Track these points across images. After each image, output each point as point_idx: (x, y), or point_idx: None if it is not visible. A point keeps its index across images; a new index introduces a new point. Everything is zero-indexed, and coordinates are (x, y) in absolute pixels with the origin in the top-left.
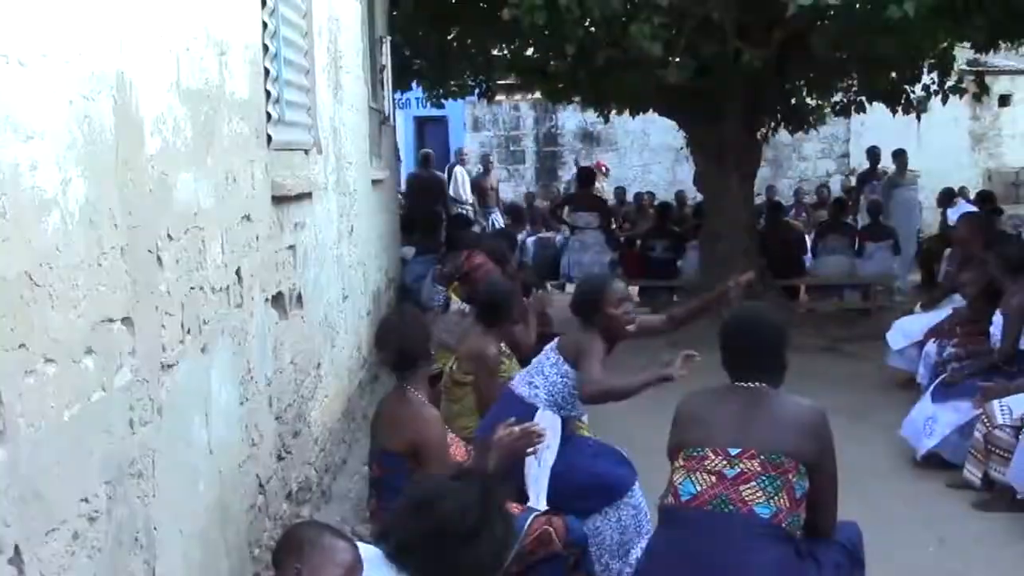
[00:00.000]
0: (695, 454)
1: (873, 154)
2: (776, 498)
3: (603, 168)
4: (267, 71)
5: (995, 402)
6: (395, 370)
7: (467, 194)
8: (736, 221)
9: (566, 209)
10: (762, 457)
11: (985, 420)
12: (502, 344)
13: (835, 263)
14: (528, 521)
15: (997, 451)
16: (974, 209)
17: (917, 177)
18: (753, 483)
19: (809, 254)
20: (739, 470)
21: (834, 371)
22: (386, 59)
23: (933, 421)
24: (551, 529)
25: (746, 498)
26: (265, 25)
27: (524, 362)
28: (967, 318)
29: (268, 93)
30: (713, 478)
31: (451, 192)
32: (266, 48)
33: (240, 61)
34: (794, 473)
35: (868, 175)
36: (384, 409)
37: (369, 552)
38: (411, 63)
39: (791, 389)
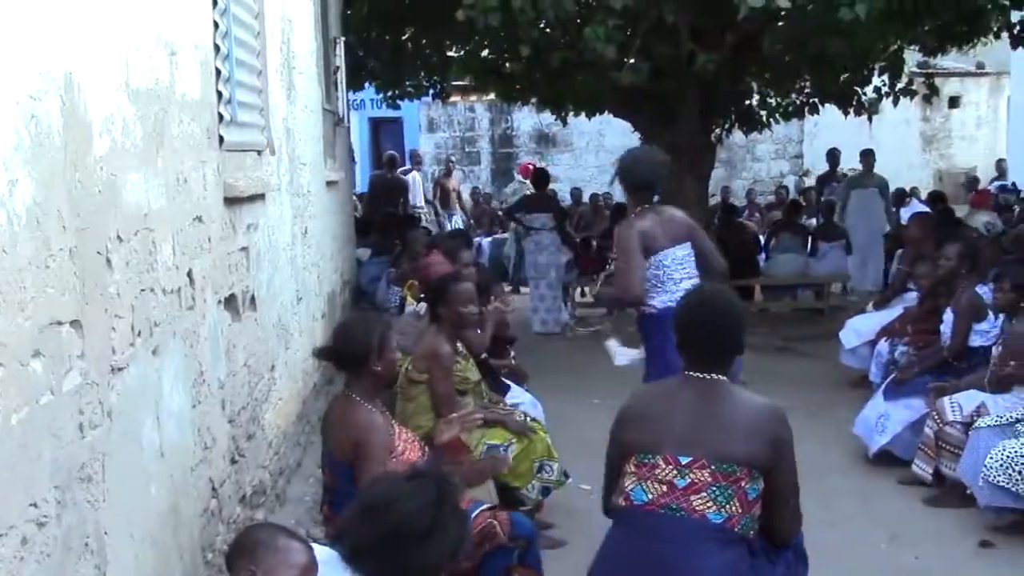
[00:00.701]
0: (646, 461)
1: (833, 156)
2: (728, 506)
3: (531, 168)
4: (219, 72)
5: (945, 399)
6: (342, 372)
7: (421, 199)
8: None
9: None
10: (712, 467)
11: (936, 417)
12: (458, 344)
13: (788, 263)
14: (472, 516)
15: (947, 447)
16: (926, 209)
17: (884, 179)
18: (704, 493)
19: (763, 254)
20: (689, 480)
21: (788, 370)
22: (340, 60)
23: (885, 419)
24: (495, 522)
25: (697, 507)
26: (216, 25)
27: (479, 363)
28: (918, 316)
29: (220, 94)
30: (664, 487)
31: (413, 197)
32: (217, 48)
33: (191, 61)
34: (747, 480)
35: (828, 176)
36: (331, 415)
37: (324, 554)
38: (365, 64)
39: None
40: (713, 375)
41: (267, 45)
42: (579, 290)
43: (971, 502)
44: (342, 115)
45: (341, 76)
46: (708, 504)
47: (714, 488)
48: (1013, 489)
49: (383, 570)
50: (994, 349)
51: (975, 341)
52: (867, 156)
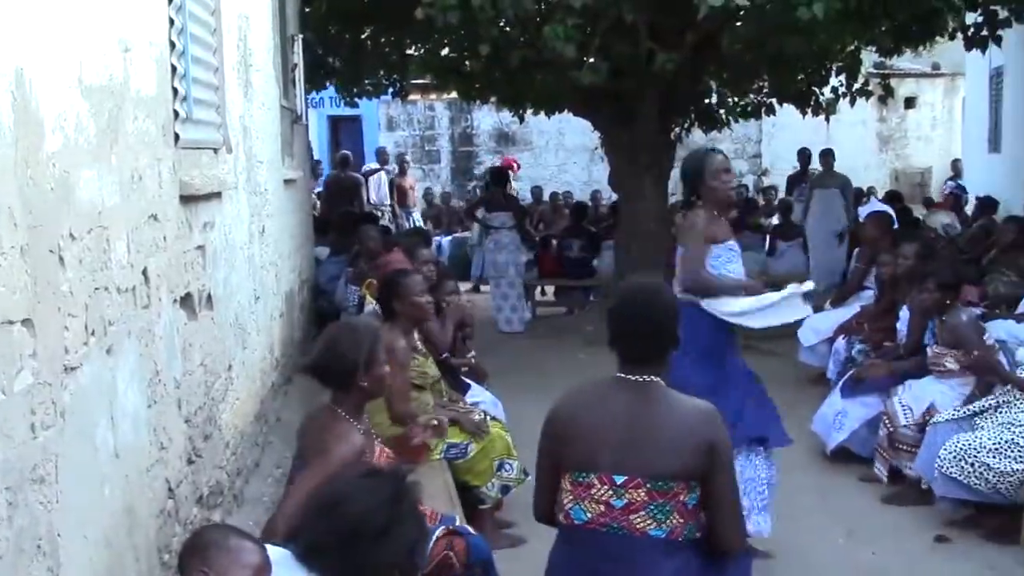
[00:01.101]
0: (581, 480)
1: (803, 156)
2: (668, 520)
3: (514, 165)
4: (174, 68)
5: (896, 403)
6: (330, 388)
7: (387, 197)
8: (651, 220)
9: (481, 209)
10: (648, 486)
11: (887, 421)
12: (417, 340)
13: (746, 261)
14: (429, 548)
15: (904, 447)
16: (884, 208)
17: (846, 179)
18: (642, 512)
19: None
20: (627, 500)
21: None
22: (298, 57)
23: (843, 416)
24: (451, 554)
25: (637, 526)
26: (172, 22)
27: (439, 361)
28: (875, 314)
29: (175, 91)
30: (602, 507)
31: (375, 196)
32: (173, 45)
33: (146, 58)
34: (685, 493)
35: (799, 177)
36: (309, 423)
37: (278, 554)
38: (324, 62)
39: None
40: (646, 377)
41: (223, 42)
42: (539, 289)
43: (928, 499)
44: (300, 113)
45: (299, 74)
46: (648, 522)
47: (652, 506)
48: (966, 481)
49: (339, 568)
50: (929, 350)
51: (931, 339)
52: (826, 156)
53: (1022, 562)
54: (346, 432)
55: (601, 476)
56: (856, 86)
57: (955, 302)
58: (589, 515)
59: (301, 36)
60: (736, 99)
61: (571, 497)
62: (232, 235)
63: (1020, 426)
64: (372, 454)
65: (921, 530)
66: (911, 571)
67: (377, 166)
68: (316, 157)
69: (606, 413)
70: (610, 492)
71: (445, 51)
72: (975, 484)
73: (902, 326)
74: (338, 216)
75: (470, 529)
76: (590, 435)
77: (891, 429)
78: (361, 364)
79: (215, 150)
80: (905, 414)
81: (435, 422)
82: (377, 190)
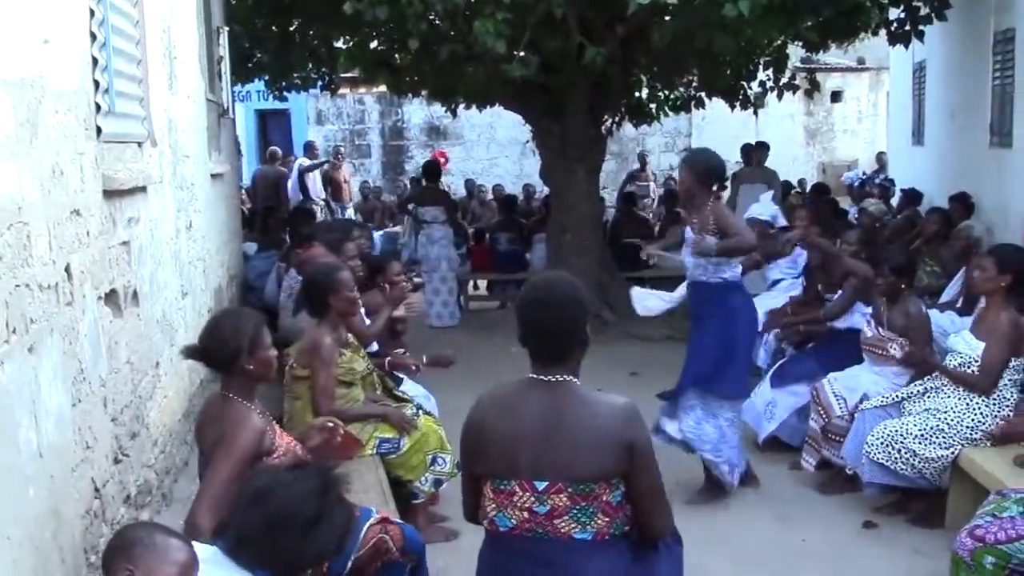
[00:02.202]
0: (503, 488)
1: (746, 152)
2: (593, 521)
3: (443, 158)
4: (95, 60)
5: (831, 394)
6: (216, 371)
7: (320, 191)
8: (582, 214)
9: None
10: (570, 490)
11: (822, 412)
12: (346, 334)
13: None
14: (364, 530)
15: (837, 438)
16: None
17: (773, 173)
18: (566, 516)
19: None
20: (549, 506)
21: (677, 360)
22: (224, 50)
23: (772, 406)
24: (387, 537)
25: (562, 529)
26: (92, 13)
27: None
28: (802, 303)
29: (97, 83)
30: (525, 513)
31: (311, 191)
32: (94, 37)
33: (66, 50)
34: (607, 493)
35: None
36: (207, 415)
37: (206, 552)
38: (251, 54)
39: (640, 381)
40: (560, 377)
41: (147, 34)
42: (472, 283)
43: (856, 486)
44: (227, 106)
45: (225, 66)
46: (573, 525)
47: (575, 510)
48: (892, 467)
49: (269, 559)
50: (867, 331)
51: (859, 324)
52: (757, 150)
53: (947, 545)
54: (242, 416)
55: (522, 483)
56: (783, 80)
57: (909, 287)
58: (513, 522)
59: (227, 28)
60: (666, 93)
61: (494, 505)
62: (158, 230)
63: (945, 413)
64: (273, 434)
65: (849, 516)
66: (840, 556)
67: (315, 161)
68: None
69: (521, 418)
70: (532, 499)
71: (374, 44)
72: (901, 470)
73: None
74: (261, 211)
75: (402, 522)
76: (506, 442)
77: (825, 420)
78: (244, 348)
79: (139, 144)
80: (839, 404)
81: (331, 424)
82: (312, 185)
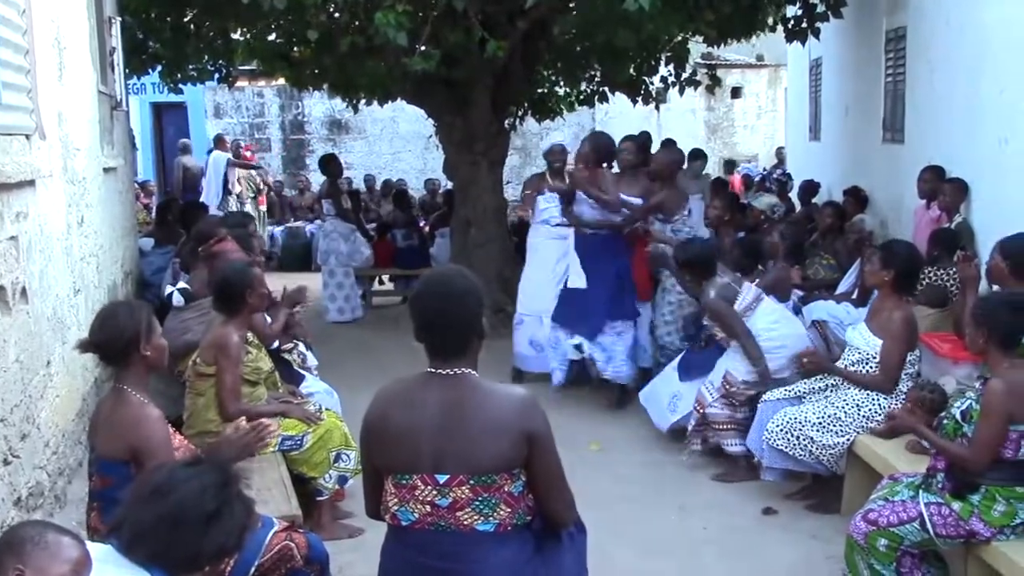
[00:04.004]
0: (404, 483)
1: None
2: (495, 513)
3: (248, 152)
4: None
5: (701, 387)
6: (108, 365)
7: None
8: (486, 208)
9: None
10: (471, 482)
11: (697, 408)
12: (248, 333)
13: None
14: (268, 537)
15: (721, 427)
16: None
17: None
18: (468, 508)
19: None
20: (451, 499)
21: None
22: (116, 41)
23: (678, 398)
24: (292, 545)
25: (464, 522)
26: None
27: (271, 352)
28: None
29: None
30: (427, 507)
31: (225, 183)
32: None
33: None
34: (509, 483)
35: None
36: (100, 413)
37: (99, 550)
38: (145, 46)
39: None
40: (457, 370)
41: (34, 23)
42: (376, 279)
43: (755, 474)
44: (120, 99)
45: (118, 57)
46: (475, 517)
47: (477, 502)
48: (791, 453)
49: (166, 555)
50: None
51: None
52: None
53: (842, 530)
54: (143, 411)
55: (423, 477)
56: (684, 76)
57: (708, 278)
58: (415, 515)
59: (119, 18)
60: (569, 88)
61: (396, 499)
62: (48, 226)
63: (844, 401)
64: (169, 429)
65: (749, 504)
66: (739, 543)
67: (249, 163)
68: (137, 145)
69: (420, 412)
70: (434, 492)
71: (272, 36)
72: (800, 456)
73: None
74: (162, 205)
75: (307, 530)
76: (406, 436)
77: (701, 411)
78: (143, 334)
79: (27, 136)
80: (709, 392)
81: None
82: (233, 180)
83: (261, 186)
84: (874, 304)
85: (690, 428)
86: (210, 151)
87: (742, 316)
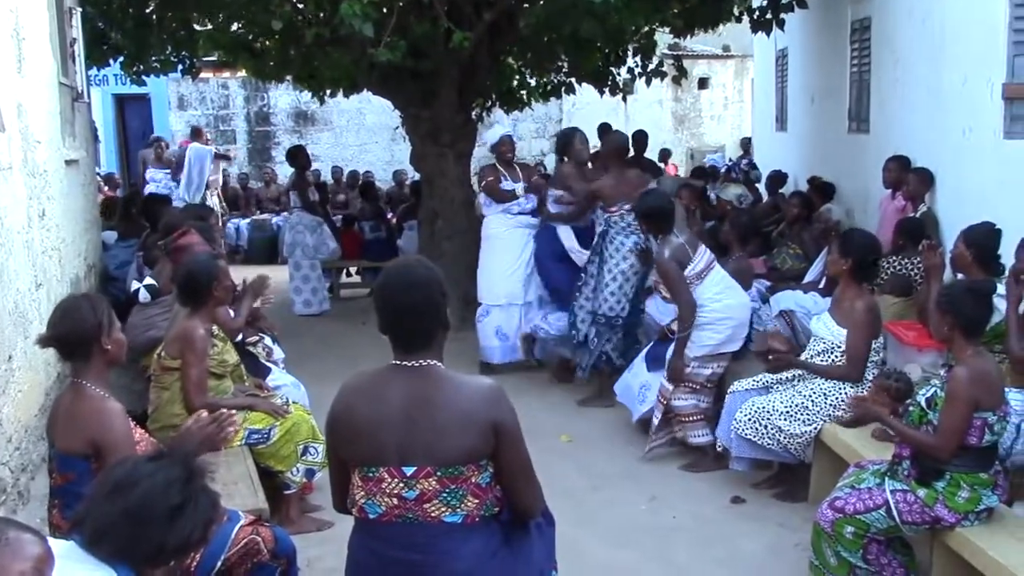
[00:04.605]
0: (371, 475)
1: (636, 139)
2: (462, 504)
3: (210, 142)
4: None
5: (661, 382)
6: (67, 360)
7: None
8: (454, 199)
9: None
10: (439, 474)
11: (661, 400)
12: (213, 326)
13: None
14: (234, 531)
15: (688, 418)
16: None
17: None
18: (436, 500)
19: None
20: (418, 491)
21: None
22: (77, 31)
23: (646, 388)
24: (259, 539)
25: (432, 513)
26: None
27: (237, 345)
28: None
29: None
30: (394, 500)
31: (206, 175)
32: None
33: None
34: (476, 474)
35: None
36: (59, 408)
37: (62, 547)
38: (107, 36)
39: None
40: (423, 361)
41: None
42: (344, 271)
43: (724, 464)
44: (81, 90)
45: (79, 48)
46: (442, 509)
47: (444, 493)
48: (759, 442)
49: (130, 550)
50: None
51: None
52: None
53: (810, 518)
54: (103, 405)
55: (390, 469)
56: (651, 67)
57: (665, 234)
58: (382, 508)
59: (80, 9)
60: (536, 79)
61: (363, 492)
62: (8, 219)
63: (809, 390)
64: (130, 423)
65: (718, 493)
66: (708, 531)
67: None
68: (99, 137)
69: (386, 404)
70: (401, 484)
71: (235, 27)
72: (768, 444)
73: None
74: (126, 198)
75: (274, 524)
76: (372, 429)
77: (664, 403)
78: (105, 326)
79: None
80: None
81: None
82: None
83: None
84: (836, 294)
85: (653, 426)
86: (180, 144)
87: (692, 283)
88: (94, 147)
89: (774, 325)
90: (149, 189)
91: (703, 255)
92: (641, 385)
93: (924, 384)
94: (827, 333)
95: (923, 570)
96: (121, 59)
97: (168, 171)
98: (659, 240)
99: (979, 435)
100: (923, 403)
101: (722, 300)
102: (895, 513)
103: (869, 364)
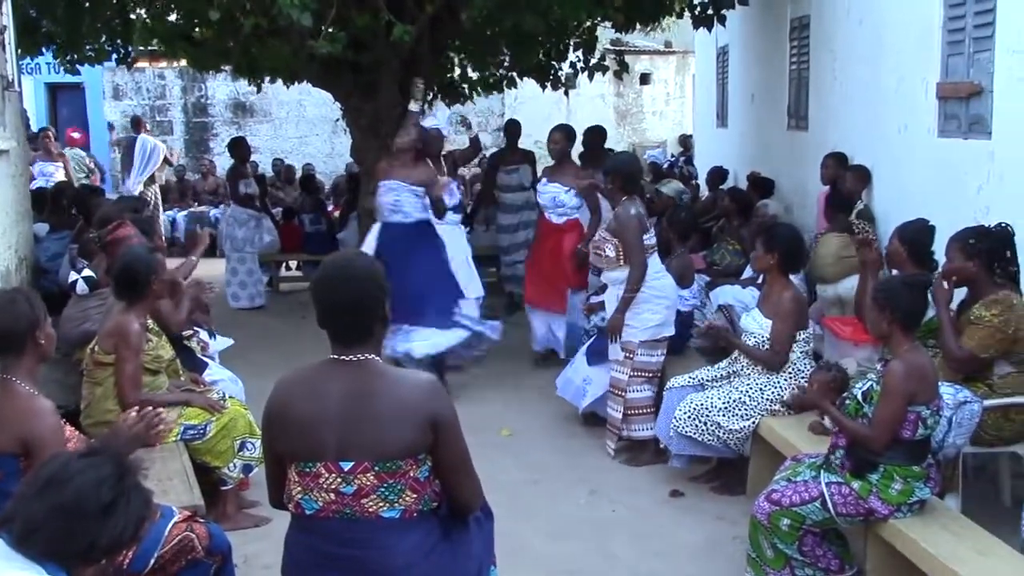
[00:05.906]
0: (308, 470)
1: (507, 130)
2: (400, 499)
3: (77, 133)
4: None
5: (617, 374)
6: (2, 353)
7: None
8: None
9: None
10: (376, 469)
11: (616, 392)
12: (149, 321)
13: (488, 237)
14: (167, 528)
15: (639, 412)
16: None
17: (530, 153)
18: (373, 495)
19: None
20: (356, 486)
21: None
22: (7, 19)
23: (587, 383)
24: (193, 536)
25: (369, 509)
26: None
27: (173, 339)
28: None
29: None
30: (332, 495)
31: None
32: None
33: None
34: (414, 469)
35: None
36: None
37: None
38: (39, 24)
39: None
40: (361, 356)
41: None
42: (284, 265)
43: (663, 458)
44: (12, 79)
45: (9, 36)
46: (380, 504)
47: (382, 488)
48: (699, 438)
49: (61, 549)
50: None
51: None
52: (509, 130)
53: (747, 511)
54: (33, 402)
55: (327, 464)
56: (593, 61)
57: (630, 195)
58: (319, 504)
59: None
60: (479, 72)
61: (300, 488)
62: None
63: (746, 386)
64: (61, 420)
65: (657, 486)
66: (647, 524)
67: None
68: (31, 127)
69: (323, 399)
70: (338, 480)
71: (173, 17)
72: (708, 440)
73: None
74: (54, 189)
75: (208, 521)
76: (309, 424)
77: (622, 395)
78: (41, 321)
79: None
80: (621, 372)
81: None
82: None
83: (92, 167)
84: (764, 289)
85: (616, 422)
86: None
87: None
88: (25, 137)
89: (714, 318)
90: (38, 184)
91: (652, 236)
92: (584, 379)
93: (860, 378)
94: (756, 327)
95: (857, 561)
96: (54, 48)
97: (59, 165)
98: (624, 200)
99: (913, 429)
100: (859, 396)
101: (660, 280)
102: (830, 505)
103: (800, 355)
